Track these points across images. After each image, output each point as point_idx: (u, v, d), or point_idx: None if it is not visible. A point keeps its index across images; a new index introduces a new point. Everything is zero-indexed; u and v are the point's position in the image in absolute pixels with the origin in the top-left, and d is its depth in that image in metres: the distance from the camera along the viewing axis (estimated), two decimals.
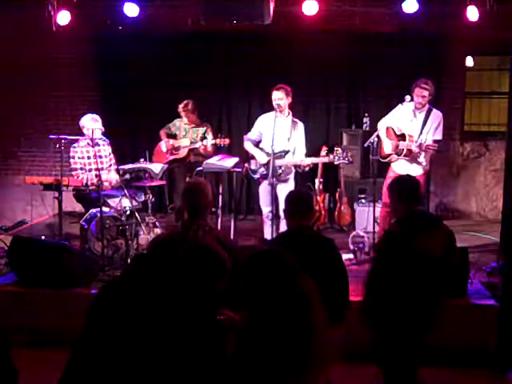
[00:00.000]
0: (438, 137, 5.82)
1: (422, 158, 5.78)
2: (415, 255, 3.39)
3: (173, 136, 7.08)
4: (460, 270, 4.72)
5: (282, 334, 2.10)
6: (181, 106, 6.91)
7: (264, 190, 5.98)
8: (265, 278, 2.18)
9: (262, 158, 5.96)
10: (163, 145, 7.00)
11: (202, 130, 6.96)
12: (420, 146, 5.68)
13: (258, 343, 2.11)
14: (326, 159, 6.05)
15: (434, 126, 5.77)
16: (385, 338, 3.46)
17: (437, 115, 5.79)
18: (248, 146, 6.15)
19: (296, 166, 6.00)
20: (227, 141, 6.55)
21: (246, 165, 6.13)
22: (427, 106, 5.80)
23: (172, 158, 6.95)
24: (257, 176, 6.05)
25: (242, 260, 2.32)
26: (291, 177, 6.04)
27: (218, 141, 6.55)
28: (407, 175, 4.23)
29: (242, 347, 2.14)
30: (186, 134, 6.96)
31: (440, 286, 3.46)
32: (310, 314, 2.15)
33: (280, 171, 5.90)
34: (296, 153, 6.00)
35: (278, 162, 5.86)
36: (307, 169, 6.02)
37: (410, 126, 5.82)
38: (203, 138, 6.92)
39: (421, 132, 5.75)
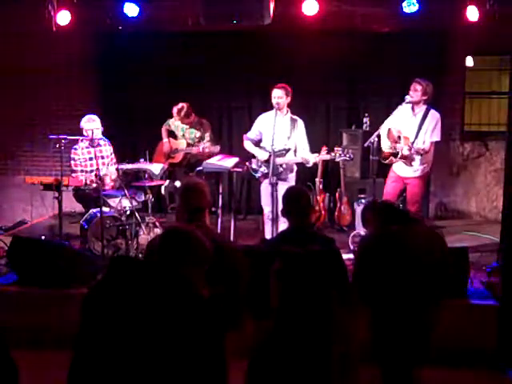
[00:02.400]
0: (436, 138, 5.82)
1: (416, 162, 5.78)
2: (393, 243, 3.40)
3: (172, 133, 7.06)
4: (457, 271, 4.74)
5: (312, 333, 2.11)
6: (174, 111, 6.76)
7: (265, 189, 5.98)
8: (300, 281, 2.19)
9: (262, 155, 5.95)
10: (165, 146, 6.98)
11: (198, 131, 6.90)
12: (410, 149, 5.69)
13: (288, 342, 2.11)
14: (327, 156, 6.06)
15: (431, 127, 5.76)
16: (382, 336, 3.46)
17: (434, 116, 5.79)
18: (248, 145, 6.15)
19: (299, 164, 6.01)
20: (218, 148, 6.49)
21: (248, 164, 6.14)
22: (425, 106, 5.80)
23: (169, 162, 6.91)
24: (258, 175, 6.05)
25: (273, 263, 2.32)
26: (292, 176, 6.04)
27: (207, 150, 6.49)
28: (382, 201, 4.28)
29: (272, 345, 2.15)
30: (184, 134, 6.94)
31: (431, 285, 3.45)
32: (333, 316, 2.17)
33: (281, 169, 5.90)
34: (299, 150, 6.01)
35: (279, 161, 5.86)
36: (311, 164, 6.03)
37: (408, 123, 5.82)
38: (201, 138, 6.88)
39: (417, 133, 5.75)
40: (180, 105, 6.76)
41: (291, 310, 2.16)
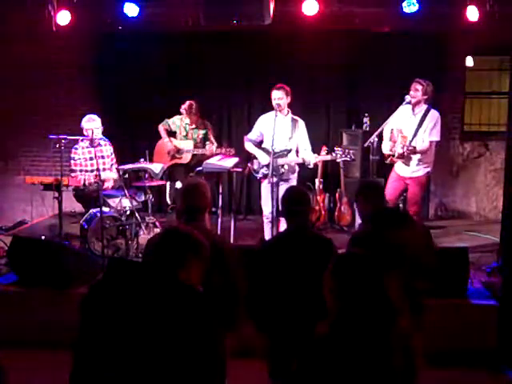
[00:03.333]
0: (435, 137, 5.81)
1: (413, 161, 5.77)
2: (383, 251, 3.37)
3: (172, 133, 7.05)
4: (457, 271, 4.74)
5: (370, 336, 2.09)
6: (184, 108, 6.82)
7: (265, 189, 5.99)
8: (357, 281, 2.17)
9: (263, 158, 5.96)
10: (166, 145, 6.96)
11: (202, 131, 6.94)
12: (403, 147, 5.68)
13: (346, 343, 2.09)
14: (328, 157, 6.06)
15: (430, 126, 5.75)
16: None
17: (433, 115, 5.78)
18: (249, 146, 6.14)
19: (301, 164, 6.02)
20: (232, 151, 6.49)
21: (249, 165, 6.14)
22: (425, 105, 5.80)
23: (174, 162, 6.91)
24: (259, 176, 6.06)
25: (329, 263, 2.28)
26: (294, 176, 6.05)
27: (223, 151, 6.51)
28: (370, 180, 4.25)
29: (328, 346, 2.12)
30: (187, 135, 6.94)
31: (419, 287, 3.43)
32: (396, 318, 2.14)
33: (283, 170, 5.91)
34: (300, 151, 6.02)
35: (281, 161, 5.87)
36: (312, 165, 6.03)
37: (408, 123, 5.83)
38: (204, 138, 6.91)
39: (416, 132, 5.75)
40: (188, 102, 6.81)
41: (349, 312, 2.14)
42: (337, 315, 2.16)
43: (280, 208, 3.63)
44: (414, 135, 5.75)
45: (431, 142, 5.80)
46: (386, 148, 5.90)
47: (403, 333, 2.15)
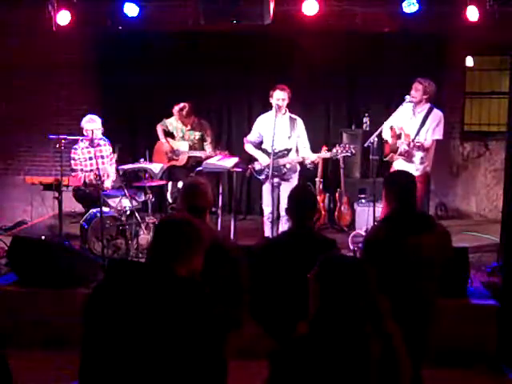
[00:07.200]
0: (438, 136, 5.81)
1: (417, 158, 5.76)
2: (402, 256, 3.33)
3: (170, 134, 7.02)
4: (457, 271, 4.73)
5: (348, 338, 2.08)
6: (176, 110, 6.74)
7: (267, 189, 5.99)
8: (342, 285, 2.15)
9: (264, 159, 5.96)
10: (163, 145, 6.95)
11: (198, 133, 6.88)
12: (409, 144, 5.68)
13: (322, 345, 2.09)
14: (328, 154, 6.06)
15: (433, 125, 5.75)
16: None
17: (437, 115, 5.78)
18: (249, 148, 6.15)
19: (301, 163, 6.02)
20: (226, 153, 6.47)
21: (250, 166, 6.14)
22: (428, 105, 5.79)
23: (172, 164, 6.89)
24: (262, 177, 6.06)
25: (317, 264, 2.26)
26: (296, 176, 6.05)
27: (217, 152, 6.49)
28: (407, 172, 4.12)
29: (303, 346, 2.11)
30: (184, 136, 6.90)
31: (434, 287, 3.43)
32: (379, 322, 2.13)
33: (285, 170, 5.91)
34: (300, 149, 6.02)
35: (282, 161, 5.88)
36: (314, 163, 6.02)
37: (409, 123, 5.82)
38: (201, 140, 6.86)
39: (419, 131, 5.74)
40: (182, 104, 6.75)
41: (330, 315, 2.13)
42: (316, 316, 2.16)
43: (286, 206, 3.60)
44: (417, 134, 5.75)
45: (434, 141, 5.80)
46: (386, 134, 5.87)
47: (384, 335, 2.14)
